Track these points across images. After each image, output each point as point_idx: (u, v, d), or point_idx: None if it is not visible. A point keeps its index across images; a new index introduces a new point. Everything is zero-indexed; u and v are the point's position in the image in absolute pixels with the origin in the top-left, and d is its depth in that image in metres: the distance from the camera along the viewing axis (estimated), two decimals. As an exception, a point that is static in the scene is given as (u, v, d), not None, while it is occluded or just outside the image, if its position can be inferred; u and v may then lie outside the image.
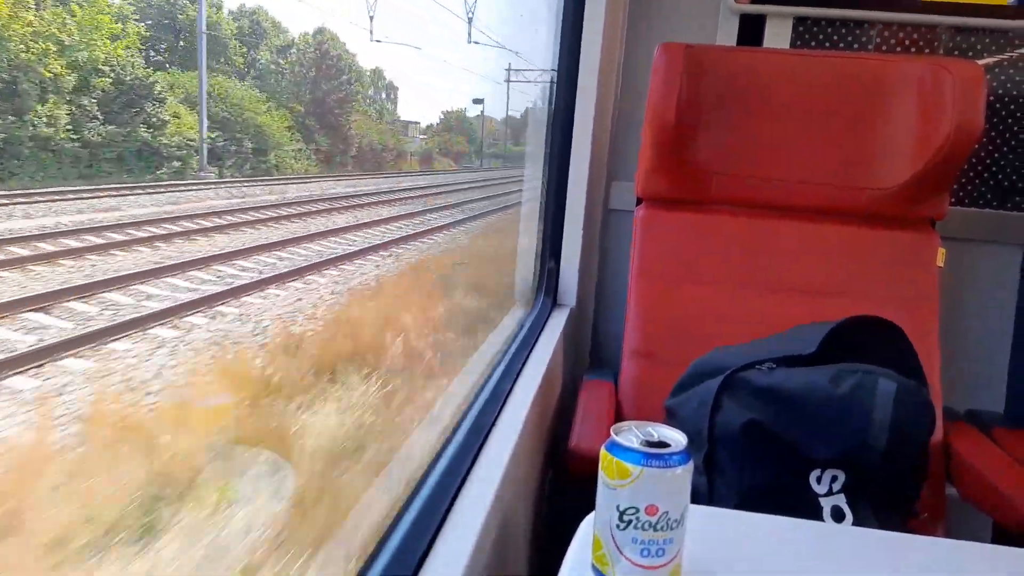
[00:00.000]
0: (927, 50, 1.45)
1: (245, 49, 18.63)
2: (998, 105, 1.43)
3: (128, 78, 10.92)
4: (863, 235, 1.21)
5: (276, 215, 8.09)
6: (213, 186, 10.75)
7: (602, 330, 1.58)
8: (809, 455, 0.81)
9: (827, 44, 1.47)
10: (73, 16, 10.19)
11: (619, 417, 1.15)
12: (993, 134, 1.44)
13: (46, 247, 5.11)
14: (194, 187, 10.18)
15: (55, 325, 3.56)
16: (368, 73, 22.87)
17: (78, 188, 8.55)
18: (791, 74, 1.23)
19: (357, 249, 6.47)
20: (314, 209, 9.01)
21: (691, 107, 1.20)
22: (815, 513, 0.80)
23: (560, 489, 1.07)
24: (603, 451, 0.50)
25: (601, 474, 0.50)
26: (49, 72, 9.54)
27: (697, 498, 0.51)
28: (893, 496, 0.83)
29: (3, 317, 3.52)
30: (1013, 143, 1.44)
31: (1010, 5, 1.38)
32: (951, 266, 1.21)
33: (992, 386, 1.43)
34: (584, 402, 1.14)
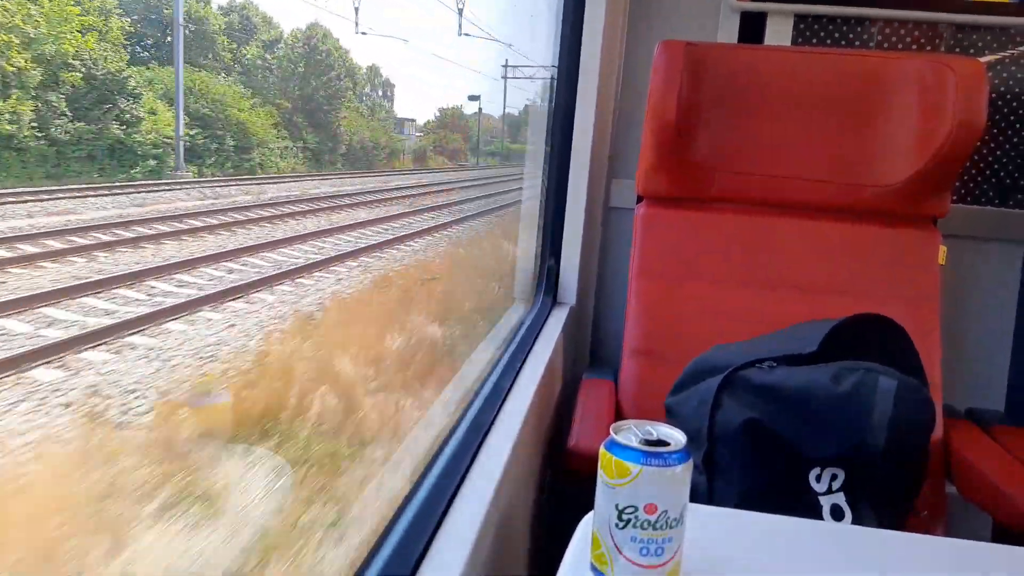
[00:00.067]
0: (929, 47, 1.45)
1: (235, 45, 18.15)
2: (1000, 103, 1.43)
3: (100, 73, 10.33)
4: (864, 233, 1.21)
5: (245, 218, 7.34)
6: (186, 186, 10.00)
7: (602, 328, 1.58)
8: (809, 453, 0.81)
9: (828, 41, 1.47)
10: (40, 7, 9.46)
11: (619, 416, 1.15)
12: (995, 131, 1.44)
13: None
14: (165, 187, 9.47)
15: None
16: (365, 70, 22.50)
17: (39, 189, 7.89)
18: (792, 72, 1.23)
19: (322, 259, 5.73)
20: (288, 211, 8.29)
21: (692, 105, 1.19)
22: (814, 512, 0.80)
23: (559, 488, 1.07)
24: (602, 450, 0.50)
25: (600, 473, 0.50)
26: (12, 66, 8.83)
27: (696, 497, 0.50)
28: (893, 494, 0.83)
29: None
30: (1015, 140, 1.44)
31: (1012, 2, 1.38)
32: (952, 264, 1.21)
33: (993, 384, 1.43)
34: (583, 401, 1.14)
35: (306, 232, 6.89)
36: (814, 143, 1.22)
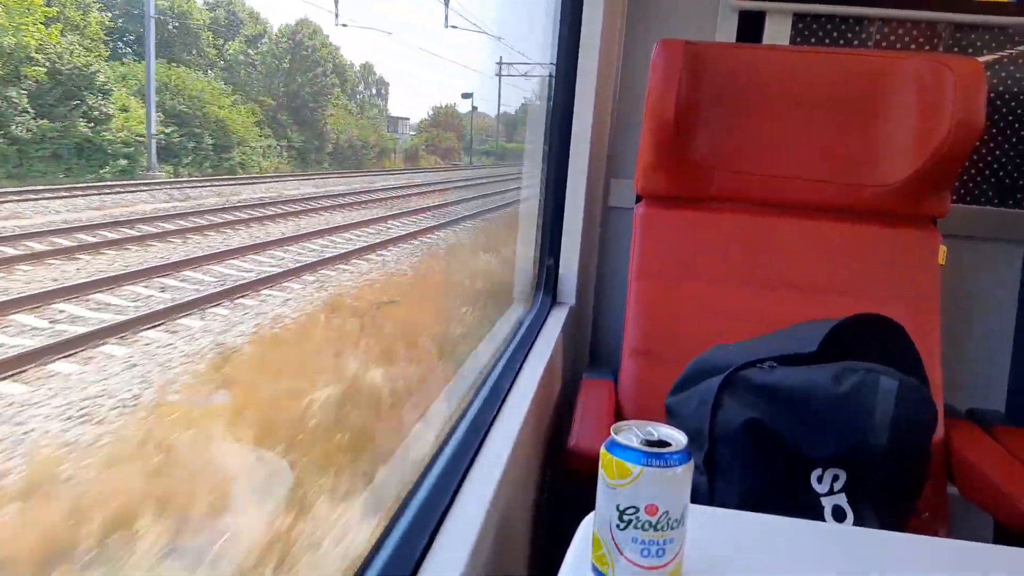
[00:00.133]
0: (927, 47, 1.45)
1: (221, 40, 17.46)
2: (999, 102, 1.43)
3: (66, 67, 9.61)
4: (864, 232, 1.20)
5: (207, 223, 6.59)
6: (155, 187, 9.25)
7: (602, 328, 1.58)
8: (810, 454, 0.81)
9: (827, 41, 1.47)
10: (-4, -3, 8.75)
11: (619, 416, 1.15)
12: (994, 131, 1.44)
13: None
14: (130, 189, 8.68)
15: None
16: (358, 68, 22.08)
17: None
18: (791, 71, 1.22)
19: (279, 271, 4.96)
20: (258, 215, 7.51)
21: (690, 104, 1.19)
22: (816, 513, 0.80)
23: (559, 488, 1.06)
24: (603, 450, 0.50)
25: (601, 473, 0.50)
26: (-35, 60, 8.20)
27: (697, 498, 0.50)
28: (894, 495, 0.83)
29: None
30: (1014, 140, 1.44)
31: (1010, 2, 1.38)
32: (952, 264, 1.21)
33: (993, 384, 1.43)
34: (583, 401, 1.13)
35: (268, 240, 6.09)
36: (813, 142, 1.22)
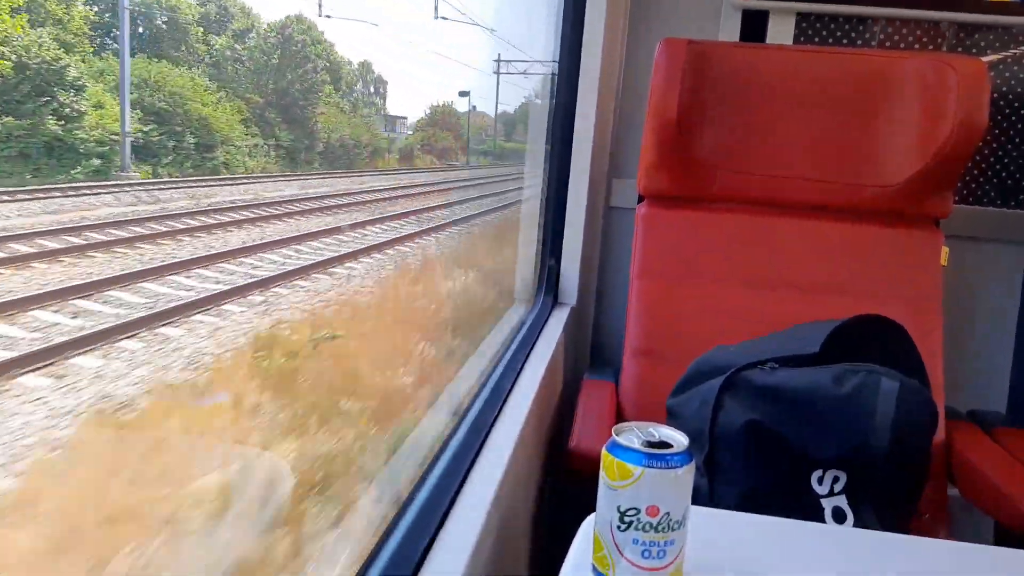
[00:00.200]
0: (931, 46, 1.45)
1: (213, 36, 16.70)
2: (1002, 103, 1.43)
3: (34, 61, 9.02)
4: (866, 233, 1.20)
5: (166, 229, 5.82)
6: (125, 188, 8.34)
7: (603, 328, 1.58)
8: (811, 455, 0.81)
9: (830, 40, 1.47)
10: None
11: (620, 416, 1.15)
12: (997, 132, 1.44)
13: None
14: (97, 191, 7.87)
15: None
16: (356, 65, 21.54)
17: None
18: (794, 70, 1.22)
19: (223, 290, 4.19)
20: (227, 220, 6.77)
21: (693, 104, 1.19)
22: (816, 514, 0.80)
23: (560, 489, 1.06)
24: (604, 452, 0.50)
25: (602, 474, 0.50)
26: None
27: (698, 499, 0.50)
28: (895, 496, 0.83)
29: None
30: (1017, 141, 1.44)
31: (1014, 1, 1.37)
32: (954, 265, 1.20)
33: (994, 386, 1.43)
34: (584, 401, 1.13)
35: (223, 250, 5.24)
36: (816, 142, 1.22)
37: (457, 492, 0.66)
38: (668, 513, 0.48)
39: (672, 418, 0.94)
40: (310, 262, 5.26)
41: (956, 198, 1.44)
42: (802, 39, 1.47)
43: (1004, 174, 1.45)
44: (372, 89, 23.70)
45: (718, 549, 0.56)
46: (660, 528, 0.48)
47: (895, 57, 1.23)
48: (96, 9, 11.85)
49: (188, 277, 4.50)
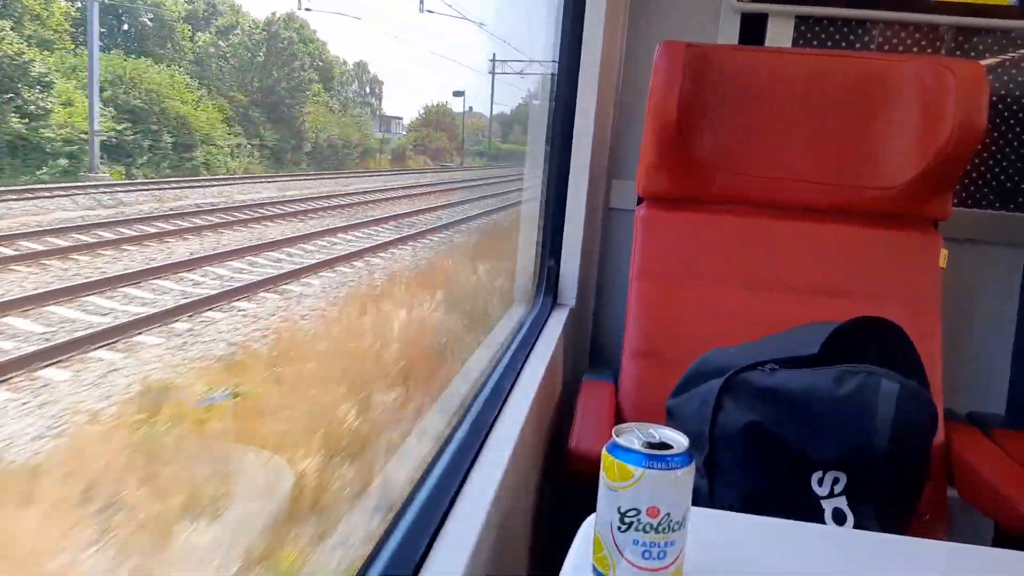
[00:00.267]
0: (929, 50, 1.45)
1: (199, 33, 16.11)
2: (1000, 106, 1.43)
3: None
4: (865, 235, 1.21)
5: (116, 237, 5.10)
6: (89, 190, 7.59)
7: (602, 330, 1.58)
8: (811, 456, 0.81)
9: (829, 43, 1.47)
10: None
11: (619, 417, 1.15)
12: (996, 135, 1.44)
13: None
14: (54, 193, 7.18)
15: None
16: (352, 66, 21.08)
17: None
18: (793, 73, 1.23)
19: (140, 316, 3.44)
20: (187, 226, 6.03)
21: (692, 106, 1.19)
22: (816, 515, 0.80)
23: (560, 489, 1.06)
24: (604, 452, 0.50)
25: (602, 475, 0.50)
26: None
27: (698, 500, 0.50)
28: (895, 498, 0.83)
29: None
30: (1016, 144, 1.44)
31: (1012, 5, 1.38)
32: (953, 267, 1.21)
33: (993, 388, 1.43)
34: (584, 402, 1.13)
35: (165, 264, 4.51)
36: (815, 145, 1.22)
37: (457, 492, 0.66)
38: (668, 514, 0.48)
39: (672, 419, 0.94)
40: (262, 277, 4.51)
41: (955, 200, 1.45)
42: (801, 42, 1.47)
43: (1003, 177, 1.45)
44: (368, 89, 23.40)
45: (718, 550, 0.56)
46: (660, 529, 0.48)
47: (894, 60, 1.23)
48: (79, 5, 11.36)
49: (109, 299, 3.69)
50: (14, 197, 6.54)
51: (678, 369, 0.96)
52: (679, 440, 0.50)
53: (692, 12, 1.49)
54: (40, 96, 8.98)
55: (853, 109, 1.21)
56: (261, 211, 7.47)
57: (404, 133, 23.83)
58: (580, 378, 1.26)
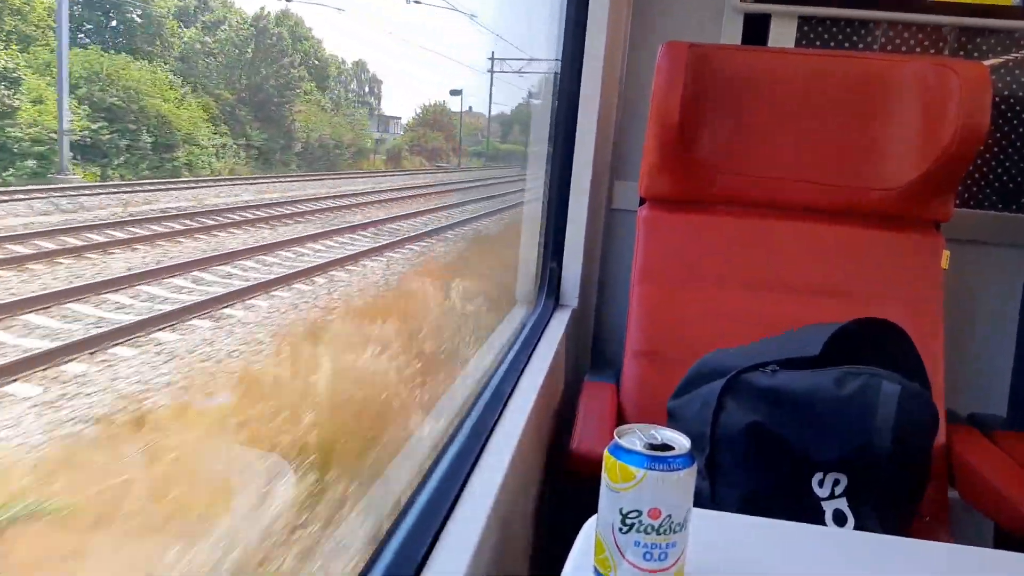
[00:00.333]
0: (932, 50, 1.45)
1: (183, 28, 15.46)
2: (1004, 107, 1.43)
3: None
4: (867, 236, 1.21)
5: (57, 248, 4.45)
6: (53, 193, 6.89)
7: (604, 331, 1.58)
8: (812, 458, 0.81)
9: (832, 44, 1.47)
10: None
11: (620, 418, 1.15)
12: (999, 135, 1.44)
13: None
14: (4, 198, 6.26)
15: None
16: (351, 65, 20.64)
17: None
18: (796, 74, 1.22)
19: (22, 357, 2.62)
20: (140, 235, 5.32)
21: (695, 106, 1.19)
22: (817, 517, 0.80)
23: (561, 490, 1.07)
24: (606, 454, 0.50)
25: (604, 476, 0.50)
26: None
27: (699, 501, 0.50)
28: (896, 499, 0.83)
29: None
30: (1019, 145, 1.44)
31: (1016, 6, 1.38)
32: (955, 268, 1.21)
33: (994, 389, 1.43)
34: (586, 403, 1.13)
35: (106, 279, 3.83)
36: (817, 145, 1.22)
37: (459, 493, 0.66)
38: (670, 515, 0.48)
39: (673, 420, 0.94)
40: (202, 297, 3.84)
41: (957, 202, 1.44)
42: (804, 42, 1.47)
43: (1005, 178, 1.45)
44: (367, 89, 23.12)
45: (719, 551, 0.56)
46: (662, 530, 0.48)
47: (897, 61, 1.23)
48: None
49: (6, 331, 2.96)
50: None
51: (680, 370, 0.96)
52: (681, 441, 0.50)
53: (695, 12, 1.49)
54: (6, 93, 8.36)
55: (856, 110, 1.21)
56: (230, 216, 6.72)
57: (401, 133, 23.49)
58: (582, 378, 1.26)
